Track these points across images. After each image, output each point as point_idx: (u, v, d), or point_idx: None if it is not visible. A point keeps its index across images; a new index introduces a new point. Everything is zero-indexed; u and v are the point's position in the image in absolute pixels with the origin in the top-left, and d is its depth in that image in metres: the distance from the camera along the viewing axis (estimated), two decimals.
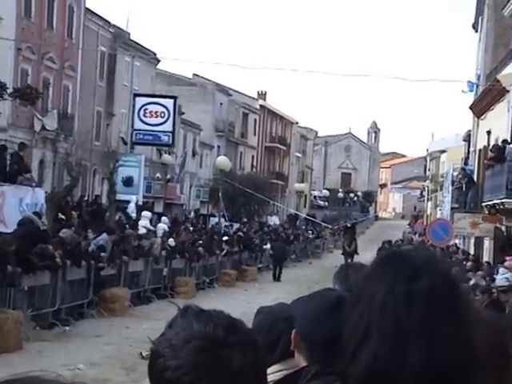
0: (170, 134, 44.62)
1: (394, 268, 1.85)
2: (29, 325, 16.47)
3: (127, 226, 27.54)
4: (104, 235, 21.94)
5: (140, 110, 44.25)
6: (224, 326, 1.73)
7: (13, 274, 15.63)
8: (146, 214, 31.62)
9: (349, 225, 48.70)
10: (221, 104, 66.55)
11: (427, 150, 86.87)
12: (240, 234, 37.77)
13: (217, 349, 1.68)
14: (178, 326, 1.75)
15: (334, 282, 4.25)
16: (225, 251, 32.23)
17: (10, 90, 25.16)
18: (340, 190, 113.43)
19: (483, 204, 28.67)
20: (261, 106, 77.16)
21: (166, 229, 30.59)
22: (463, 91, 36.89)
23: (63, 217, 24.46)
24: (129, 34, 48.78)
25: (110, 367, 14.13)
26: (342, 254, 42.75)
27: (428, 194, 78.96)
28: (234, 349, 1.69)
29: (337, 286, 4.15)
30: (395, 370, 1.76)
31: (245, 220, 49.35)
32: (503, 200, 24.76)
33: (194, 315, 1.77)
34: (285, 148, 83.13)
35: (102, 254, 20.61)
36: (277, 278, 35.08)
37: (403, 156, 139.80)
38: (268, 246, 40.73)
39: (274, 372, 2.86)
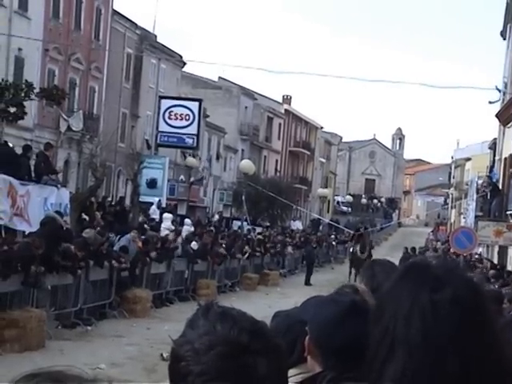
0: (195, 137, 44.79)
1: (416, 279, 1.84)
2: (51, 324, 16.56)
3: (149, 227, 27.56)
4: (127, 235, 22.02)
5: (165, 112, 44.45)
6: (248, 331, 1.69)
7: (36, 273, 15.73)
8: (168, 215, 31.67)
9: (362, 230, 47.74)
10: (246, 107, 66.63)
11: (452, 158, 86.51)
12: (260, 237, 37.72)
13: (241, 355, 1.65)
14: (200, 328, 1.71)
15: (360, 279, 4.22)
16: (247, 254, 32.22)
17: (36, 90, 25.30)
18: (364, 196, 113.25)
19: (508, 212, 28.48)
20: (285, 110, 77.22)
21: (191, 229, 30.63)
22: (490, 102, 36.63)
23: (86, 217, 24.58)
24: (155, 36, 49.00)
25: (130, 368, 14.17)
26: (351, 260, 38.84)
27: (452, 202, 78.63)
28: (259, 355, 1.67)
29: (363, 285, 4.12)
30: (425, 382, 1.74)
31: (267, 224, 49.32)
32: None
33: (216, 317, 1.72)
34: (309, 153, 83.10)
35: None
36: (308, 282, 35.01)
37: (428, 163, 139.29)
38: (290, 249, 40.85)
39: (291, 376, 2.86)
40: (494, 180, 35.19)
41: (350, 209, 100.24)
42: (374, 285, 4.02)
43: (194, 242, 26.99)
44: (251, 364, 1.65)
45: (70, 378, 1.53)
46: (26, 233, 19.09)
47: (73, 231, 20.15)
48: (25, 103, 24.10)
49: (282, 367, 1.75)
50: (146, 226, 27.53)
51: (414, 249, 46.68)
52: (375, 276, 4.08)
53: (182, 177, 48.68)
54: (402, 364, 1.76)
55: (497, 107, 37.28)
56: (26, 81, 25.46)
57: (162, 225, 29.89)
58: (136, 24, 46.28)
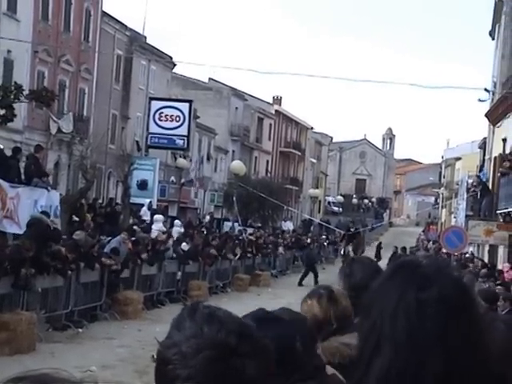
0: (185, 138, 44.70)
1: (404, 278, 1.84)
2: (42, 326, 16.51)
3: (139, 229, 27.47)
4: (117, 237, 21.98)
5: (155, 113, 44.37)
6: (236, 333, 1.66)
7: (27, 276, 15.67)
8: (159, 217, 31.61)
9: (352, 230, 47.58)
10: (236, 108, 66.62)
11: (442, 157, 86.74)
12: (252, 238, 37.74)
13: (229, 358, 1.63)
14: (187, 330, 1.68)
15: (338, 277, 4.24)
16: (238, 255, 32.24)
17: (26, 92, 25.23)
18: (354, 196, 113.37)
19: (498, 212, 28.54)
20: (276, 110, 77.24)
21: (181, 230, 30.63)
22: (480, 100, 36.72)
23: (77, 219, 24.53)
24: (145, 38, 48.96)
25: (122, 370, 14.14)
26: (343, 261, 38.00)
27: (443, 201, 78.77)
28: (248, 358, 1.64)
29: (341, 283, 4.14)
30: (409, 380, 1.74)
31: (259, 225, 49.33)
32: None
33: (203, 318, 1.69)
34: (299, 153, 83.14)
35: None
36: (315, 282, 34.98)
37: (418, 163, 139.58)
38: (282, 250, 40.93)
39: None
40: (484, 179, 35.27)
41: (340, 209, 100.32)
42: (352, 282, 4.04)
43: (184, 243, 26.98)
44: (239, 367, 1.63)
45: (56, 381, 1.51)
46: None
47: (60, 231, 20.10)
48: (14, 105, 24.03)
49: (270, 369, 1.72)
50: (135, 227, 27.45)
51: (404, 248, 46.78)
52: (353, 274, 4.11)
53: (172, 178, 48.65)
54: (387, 361, 1.76)
55: (486, 106, 37.38)
56: (16, 83, 25.38)
57: (153, 226, 29.80)
58: (126, 25, 46.21)
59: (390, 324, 1.78)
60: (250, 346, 1.67)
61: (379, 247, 51.39)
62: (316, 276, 36.06)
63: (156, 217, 31.65)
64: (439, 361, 1.74)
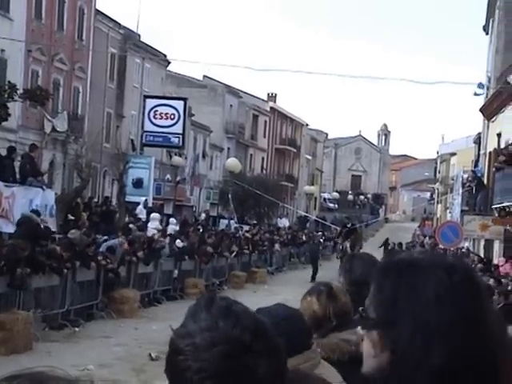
0: (180, 136, 44.67)
1: (427, 268, 1.77)
2: (38, 325, 16.48)
3: (134, 227, 27.43)
4: (114, 240, 21.92)
5: (150, 111, 44.32)
6: (251, 330, 1.66)
7: (22, 275, 15.65)
8: (155, 215, 31.59)
9: (349, 225, 47.44)
10: (231, 106, 66.59)
11: (437, 153, 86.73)
12: (248, 235, 37.74)
13: (242, 355, 1.63)
14: (202, 322, 1.68)
15: (339, 273, 4.26)
16: (235, 253, 32.25)
17: (20, 92, 25.18)
18: (350, 193, 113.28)
19: (493, 206, 28.57)
20: (271, 107, 77.23)
21: (176, 228, 30.61)
22: (476, 93, 36.71)
23: (73, 218, 24.49)
24: (139, 36, 48.89)
25: (119, 368, 14.12)
26: (341, 257, 38.43)
27: (438, 197, 78.84)
28: (260, 356, 1.64)
29: (341, 279, 4.15)
30: (472, 364, 1.69)
31: (254, 222, 49.34)
32: None
33: (220, 311, 1.69)
34: (295, 150, 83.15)
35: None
36: (313, 279, 34.97)
37: (413, 158, 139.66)
38: (278, 247, 40.93)
39: None
40: (479, 174, 35.31)
41: (336, 205, 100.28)
42: (352, 278, 4.06)
43: (178, 240, 26.96)
44: (252, 365, 1.63)
45: (51, 379, 1.51)
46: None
47: (51, 229, 20.06)
48: (8, 104, 23.99)
49: (281, 368, 1.71)
50: (131, 225, 27.42)
51: (400, 244, 46.84)
52: (353, 270, 4.13)
53: (168, 176, 48.62)
54: (448, 350, 1.69)
55: (481, 101, 37.38)
56: (9, 82, 25.35)
57: (150, 225, 29.78)
58: (119, 23, 46.15)
59: (438, 312, 1.72)
60: (263, 344, 1.66)
61: (387, 243, 50.96)
62: (315, 270, 36.17)
63: (153, 215, 31.63)
64: (492, 335, 1.72)
